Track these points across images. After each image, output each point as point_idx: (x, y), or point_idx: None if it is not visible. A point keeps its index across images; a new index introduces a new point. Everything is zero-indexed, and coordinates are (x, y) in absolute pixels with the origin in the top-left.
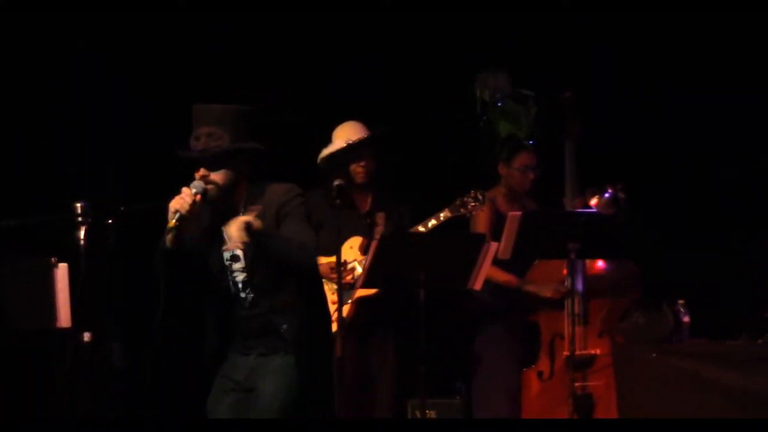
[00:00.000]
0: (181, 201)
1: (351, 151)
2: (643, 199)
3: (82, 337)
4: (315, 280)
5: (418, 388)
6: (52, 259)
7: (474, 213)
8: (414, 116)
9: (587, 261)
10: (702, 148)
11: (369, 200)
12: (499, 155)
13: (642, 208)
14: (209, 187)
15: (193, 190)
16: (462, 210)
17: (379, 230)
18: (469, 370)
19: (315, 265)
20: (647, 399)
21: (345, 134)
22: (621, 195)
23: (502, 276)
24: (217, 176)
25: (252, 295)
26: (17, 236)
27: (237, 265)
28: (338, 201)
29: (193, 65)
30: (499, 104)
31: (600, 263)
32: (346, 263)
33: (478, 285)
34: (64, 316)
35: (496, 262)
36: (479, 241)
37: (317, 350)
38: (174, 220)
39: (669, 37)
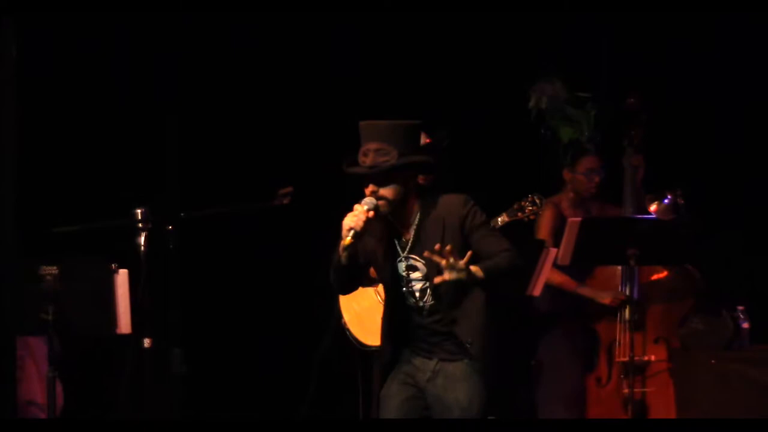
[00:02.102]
0: (355, 219)
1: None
2: (702, 205)
3: (143, 344)
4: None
5: None
6: (113, 265)
7: (532, 218)
8: (472, 121)
9: (646, 267)
10: (762, 153)
11: None
12: (563, 161)
13: (701, 214)
14: (380, 203)
15: (365, 207)
16: (519, 215)
17: None
18: (531, 376)
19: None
20: (706, 405)
21: None
22: (680, 201)
23: (558, 277)
24: (386, 191)
25: (431, 302)
26: (78, 242)
27: (415, 275)
28: None
29: (254, 70)
30: (558, 110)
31: (659, 269)
32: None
33: (537, 291)
34: (124, 323)
35: (557, 268)
36: (539, 247)
37: (492, 355)
38: (349, 238)
39: (731, 38)
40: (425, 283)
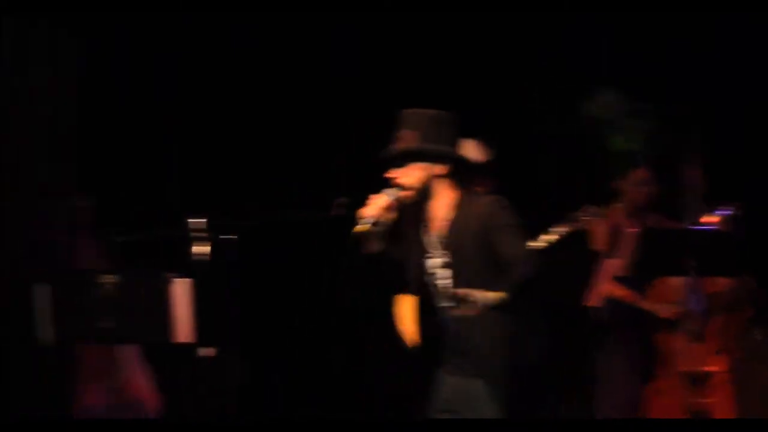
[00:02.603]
0: (371, 207)
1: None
2: (761, 217)
3: (202, 352)
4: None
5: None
6: (172, 273)
7: (588, 228)
8: (526, 131)
9: (706, 278)
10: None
11: None
12: (615, 171)
13: (761, 226)
14: (401, 192)
15: (386, 197)
16: (576, 225)
17: None
18: (589, 386)
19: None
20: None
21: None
22: (739, 213)
23: (620, 292)
24: (407, 180)
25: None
26: (138, 251)
27: (441, 272)
28: None
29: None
30: (613, 120)
31: (717, 280)
32: None
33: (594, 301)
34: (183, 331)
35: (616, 279)
36: (595, 258)
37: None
38: (362, 225)
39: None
40: (449, 281)
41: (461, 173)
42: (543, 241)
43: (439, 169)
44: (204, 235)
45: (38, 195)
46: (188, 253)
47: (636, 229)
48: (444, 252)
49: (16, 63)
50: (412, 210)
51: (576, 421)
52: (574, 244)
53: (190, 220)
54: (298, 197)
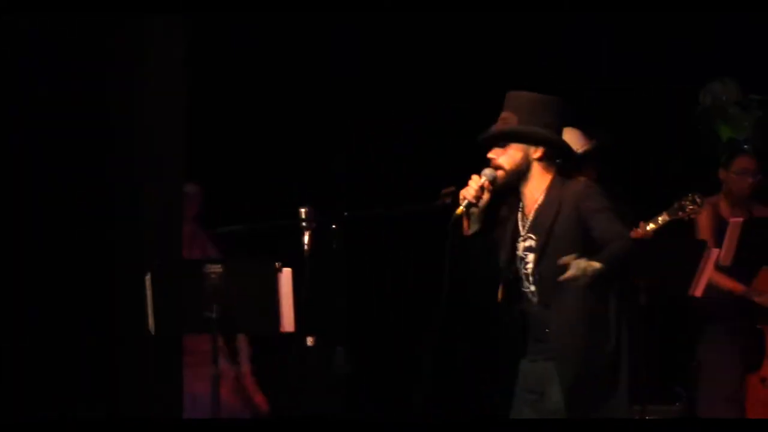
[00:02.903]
0: (469, 189)
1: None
2: None
3: (306, 342)
4: None
5: (638, 395)
6: (277, 264)
7: (693, 217)
8: (631, 121)
9: None
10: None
11: None
12: (720, 160)
13: None
14: (498, 173)
15: (483, 178)
16: (680, 213)
17: None
18: (692, 376)
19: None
20: None
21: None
22: None
23: (727, 282)
24: (502, 159)
25: (540, 290)
26: (244, 242)
27: (531, 256)
28: None
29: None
30: (722, 109)
31: None
32: None
33: (698, 291)
34: (287, 321)
35: (720, 269)
36: (700, 247)
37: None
38: (462, 207)
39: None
40: (535, 266)
41: (564, 160)
42: (644, 229)
43: (536, 151)
44: (310, 225)
45: (149, 182)
46: (294, 242)
47: (740, 219)
48: (533, 235)
49: (128, 54)
50: (510, 192)
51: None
52: (678, 233)
53: (297, 210)
54: (405, 189)
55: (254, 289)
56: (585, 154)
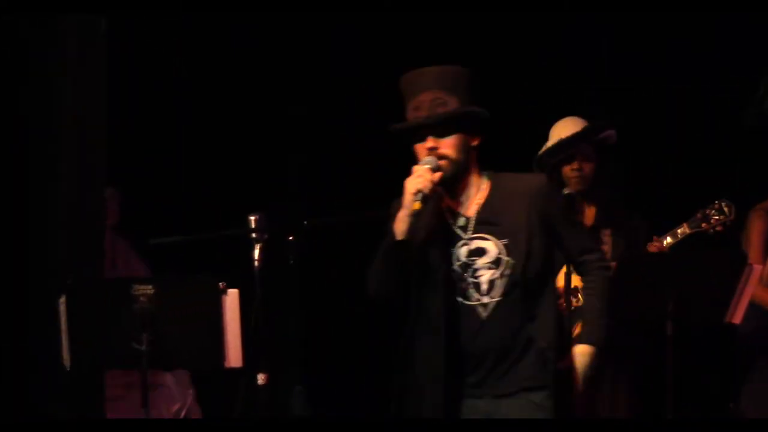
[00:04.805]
0: (421, 179)
1: (560, 150)
2: None
3: (257, 380)
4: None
5: None
6: (221, 283)
7: (719, 229)
8: (645, 110)
9: None
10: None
11: (592, 213)
12: None
13: None
14: (442, 162)
15: (427, 166)
16: (704, 225)
17: (605, 251)
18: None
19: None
20: None
21: (558, 131)
22: None
23: None
24: (449, 147)
25: (499, 297)
26: (180, 256)
27: (482, 261)
28: None
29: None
30: None
31: None
32: (576, 289)
33: (737, 317)
34: (234, 355)
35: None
36: (739, 261)
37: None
38: (417, 201)
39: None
40: (496, 271)
41: (550, 154)
42: (661, 244)
43: (474, 139)
44: (261, 235)
45: (66, 187)
46: (242, 257)
47: None
48: (485, 234)
49: (47, 58)
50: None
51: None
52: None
53: (246, 218)
54: (373, 192)
55: (193, 314)
56: (571, 138)
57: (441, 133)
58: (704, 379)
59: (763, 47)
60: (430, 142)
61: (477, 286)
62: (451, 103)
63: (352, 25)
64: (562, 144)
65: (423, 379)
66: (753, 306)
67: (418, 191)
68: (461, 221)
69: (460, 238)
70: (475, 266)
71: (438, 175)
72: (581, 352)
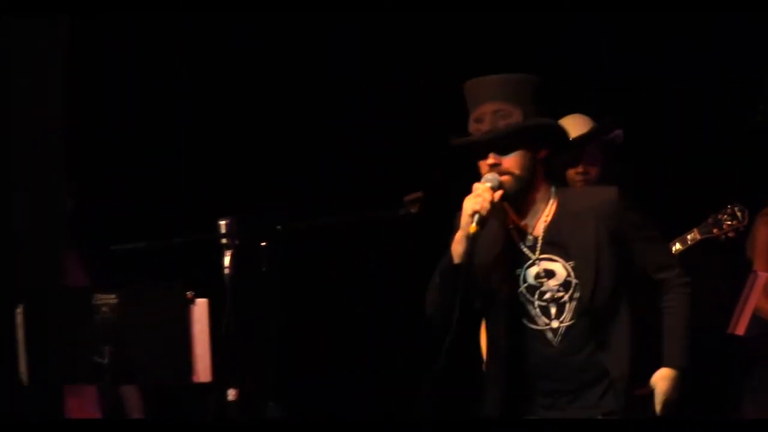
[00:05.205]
0: (479, 199)
1: (566, 152)
2: None
3: (227, 395)
4: None
5: None
6: (189, 293)
7: (731, 235)
8: (645, 110)
9: None
10: None
11: None
12: None
13: None
14: (504, 178)
15: (488, 185)
16: (715, 231)
17: None
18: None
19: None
20: None
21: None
22: None
23: None
24: (511, 163)
25: (571, 321)
26: (146, 263)
27: (551, 282)
28: None
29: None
30: None
31: None
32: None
33: (741, 329)
34: (203, 369)
35: None
36: (740, 270)
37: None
38: (474, 224)
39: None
40: (565, 294)
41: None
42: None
43: (542, 151)
44: (231, 241)
45: (19, 189)
46: (211, 264)
47: None
48: (554, 255)
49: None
50: (499, 206)
51: None
52: (714, 254)
53: (215, 223)
54: (355, 194)
55: (159, 325)
56: (578, 140)
57: (503, 149)
58: (705, 381)
59: (763, 47)
60: (491, 159)
61: (545, 309)
62: (515, 115)
63: (352, 25)
64: (569, 145)
65: (486, 404)
66: (755, 316)
67: (475, 212)
68: (529, 240)
69: (528, 259)
70: (543, 288)
71: (499, 193)
72: (663, 377)
